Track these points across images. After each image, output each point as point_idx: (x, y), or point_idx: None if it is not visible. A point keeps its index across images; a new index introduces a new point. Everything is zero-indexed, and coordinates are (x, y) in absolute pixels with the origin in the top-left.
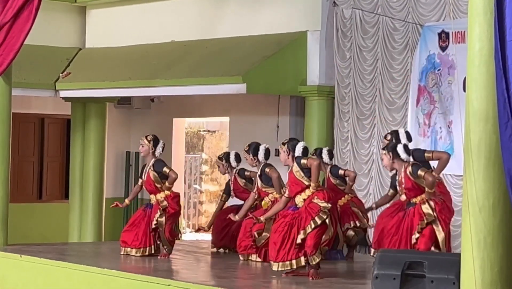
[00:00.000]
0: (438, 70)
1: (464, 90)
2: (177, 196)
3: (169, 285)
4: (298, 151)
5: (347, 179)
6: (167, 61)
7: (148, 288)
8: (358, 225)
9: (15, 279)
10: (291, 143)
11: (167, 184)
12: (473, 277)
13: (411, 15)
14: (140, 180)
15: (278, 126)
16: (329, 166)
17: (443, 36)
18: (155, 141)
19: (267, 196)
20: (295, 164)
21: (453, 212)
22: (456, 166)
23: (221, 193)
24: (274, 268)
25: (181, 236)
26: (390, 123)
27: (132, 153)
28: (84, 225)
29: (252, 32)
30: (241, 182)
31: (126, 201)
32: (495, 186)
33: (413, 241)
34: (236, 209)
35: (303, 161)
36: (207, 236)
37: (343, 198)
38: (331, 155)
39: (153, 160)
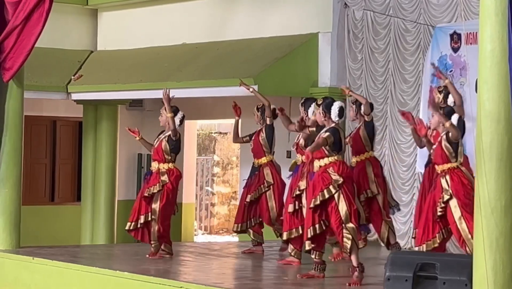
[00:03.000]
0: (450, 71)
1: (476, 91)
2: (178, 175)
3: (181, 287)
4: (334, 111)
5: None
6: (178, 63)
7: None
8: (368, 195)
9: (27, 282)
10: (325, 102)
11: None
12: (485, 278)
13: (422, 17)
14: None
15: None
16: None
17: (455, 37)
18: (175, 111)
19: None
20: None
21: (472, 188)
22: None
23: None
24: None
25: (177, 211)
26: (401, 124)
27: (144, 154)
28: (96, 227)
29: (264, 34)
30: (261, 136)
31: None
32: (507, 187)
33: (436, 216)
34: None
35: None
36: (219, 238)
37: (361, 155)
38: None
39: (171, 131)
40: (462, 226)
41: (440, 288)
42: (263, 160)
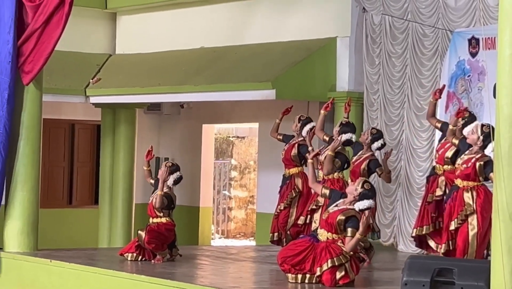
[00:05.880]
0: (468, 76)
1: (495, 96)
2: (173, 227)
3: None
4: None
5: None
6: (196, 67)
7: None
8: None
9: (45, 284)
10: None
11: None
12: (503, 284)
13: (441, 21)
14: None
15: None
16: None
17: (473, 42)
18: (172, 168)
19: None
20: (344, 216)
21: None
22: None
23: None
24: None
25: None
26: (418, 129)
27: (162, 158)
28: (114, 230)
29: (282, 38)
30: (294, 152)
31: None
32: None
33: (452, 227)
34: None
35: (349, 229)
36: (236, 242)
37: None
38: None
39: (166, 189)
40: (474, 242)
41: None
42: (294, 170)
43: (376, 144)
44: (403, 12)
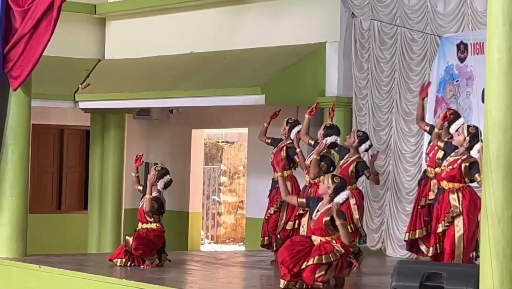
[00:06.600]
0: (457, 81)
1: (483, 101)
2: (162, 233)
3: None
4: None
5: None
6: (186, 72)
7: None
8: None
9: None
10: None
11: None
12: (492, 288)
13: (429, 26)
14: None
15: None
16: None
17: (462, 47)
18: (162, 174)
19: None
20: (329, 216)
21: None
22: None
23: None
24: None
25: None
26: (406, 134)
27: (151, 164)
28: (103, 235)
29: (271, 43)
30: (282, 155)
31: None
32: None
33: (439, 229)
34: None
35: (338, 222)
36: (226, 247)
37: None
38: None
39: (156, 193)
40: (460, 244)
41: None
42: (284, 173)
43: (364, 146)
44: (391, 17)
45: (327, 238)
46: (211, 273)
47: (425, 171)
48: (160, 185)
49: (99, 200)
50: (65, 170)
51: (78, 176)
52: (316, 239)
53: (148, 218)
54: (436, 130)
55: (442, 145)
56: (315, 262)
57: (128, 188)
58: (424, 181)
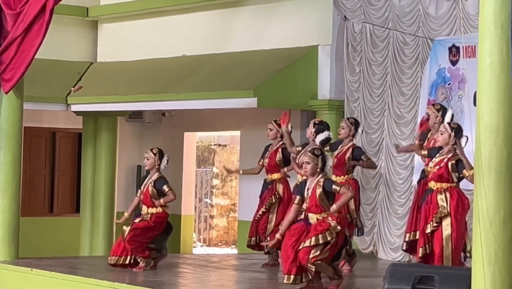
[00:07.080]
0: (448, 84)
1: (475, 104)
2: (165, 216)
3: None
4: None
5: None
6: (178, 75)
7: None
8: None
9: None
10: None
11: (162, 201)
12: None
13: (421, 30)
14: (139, 191)
15: None
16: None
17: (454, 51)
18: (160, 154)
19: None
20: (321, 187)
21: (469, 208)
22: (466, 180)
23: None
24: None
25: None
26: (398, 137)
27: (143, 166)
28: (95, 238)
29: (263, 46)
30: (278, 157)
31: (126, 214)
32: (506, 199)
33: (428, 230)
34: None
35: (334, 187)
36: (218, 250)
37: (342, 176)
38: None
39: (157, 174)
40: (448, 244)
41: None
42: (277, 175)
43: (360, 129)
44: (383, 21)
45: (323, 214)
46: (203, 276)
47: (423, 171)
48: (163, 164)
49: (91, 203)
50: (57, 173)
51: (70, 178)
52: (313, 218)
53: (154, 201)
54: (416, 142)
55: (425, 152)
56: (312, 243)
57: (120, 191)
58: (423, 180)
